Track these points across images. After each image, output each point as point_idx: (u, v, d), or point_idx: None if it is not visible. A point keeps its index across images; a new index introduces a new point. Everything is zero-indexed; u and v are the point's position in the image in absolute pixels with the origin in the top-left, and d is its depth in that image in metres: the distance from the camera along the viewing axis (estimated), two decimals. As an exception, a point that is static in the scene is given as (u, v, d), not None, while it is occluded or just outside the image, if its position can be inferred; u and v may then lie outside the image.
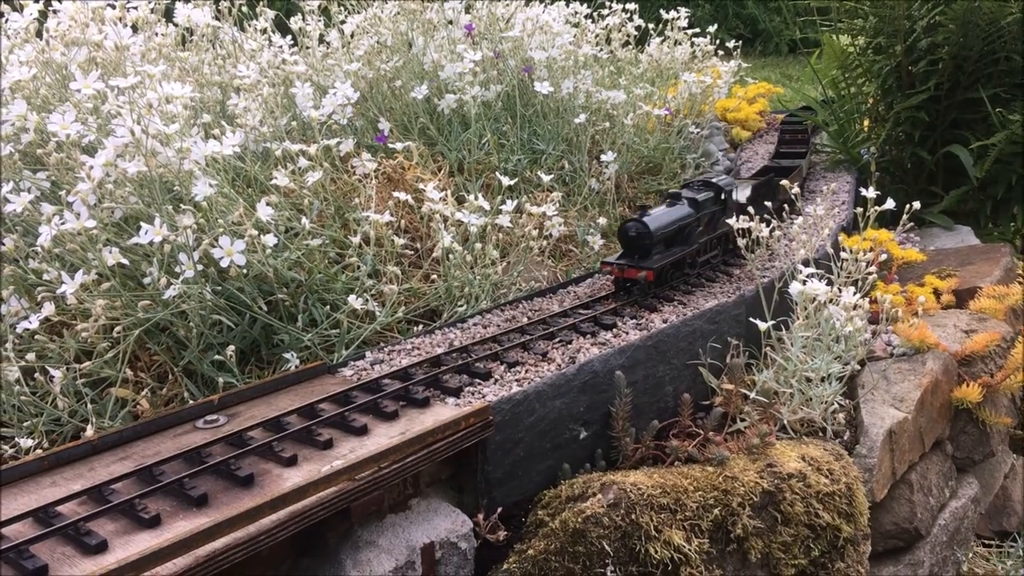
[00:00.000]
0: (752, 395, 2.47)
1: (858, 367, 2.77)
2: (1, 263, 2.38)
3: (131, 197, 2.42)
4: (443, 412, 2.00)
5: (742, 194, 3.05)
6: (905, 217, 2.76)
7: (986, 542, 3.16)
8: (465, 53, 3.34)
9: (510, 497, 2.09)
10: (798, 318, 2.51)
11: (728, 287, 2.84)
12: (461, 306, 2.67)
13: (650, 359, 2.38)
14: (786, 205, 3.40)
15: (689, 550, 1.99)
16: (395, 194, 2.76)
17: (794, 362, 2.49)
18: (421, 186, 2.81)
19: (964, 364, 3.00)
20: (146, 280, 2.38)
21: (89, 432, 2.07)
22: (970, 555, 2.99)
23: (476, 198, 2.76)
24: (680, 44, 4.56)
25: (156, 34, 3.22)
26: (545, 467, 2.16)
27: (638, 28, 4.50)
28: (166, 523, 1.59)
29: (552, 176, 3.18)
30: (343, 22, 3.72)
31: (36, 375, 2.15)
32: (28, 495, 1.70)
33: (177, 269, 2.32)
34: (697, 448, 2.27)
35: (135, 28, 3.15)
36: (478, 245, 2.72)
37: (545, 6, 3.97)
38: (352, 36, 3.70)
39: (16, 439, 2.09)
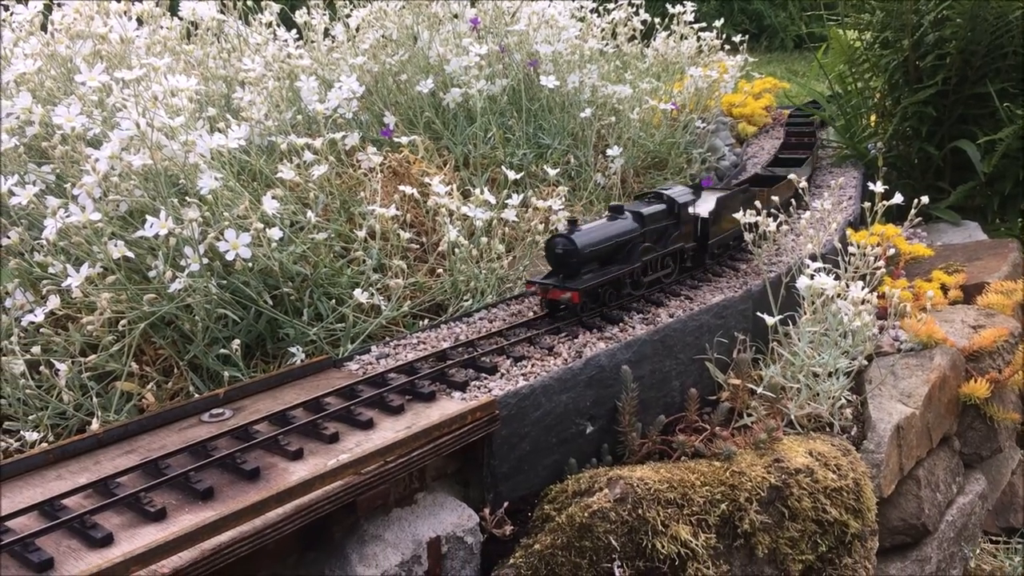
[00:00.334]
0: (759, 390, 2.46)
1: (865, 362, 2.75)
2: (1, 256, 2.38)
3: (136, 190, 2.41)
4: (449, 406, 1.99)
5: (703, 207, 2.80)
6: (913, 212, 2.75)
7: (993, 538, 3.14)
8: (471, 47, 3.33)
9: (516, 492, 2.08)
10: (805, 313, 2.50)
11: (735, 282, 2.82)
12: (467, 300, 2.66)
13: (656, 354, 2.37)
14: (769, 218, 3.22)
15: (696, 545, 1.98)
16: (401, 188, 2.75)
17: (801, 357, 2.47)
18: (427, 180, 2.80)
19: (972, 360, 2.99)
20: (151, 273, 2.38)
21: (94, 426, 2.07)
22: (977, 551, 2.98)
23: (482, 192, 2.75)
24: (686, 39, 4.54)
25: (161, 27, 3.21)
26: (551, 462, 2.15)
27: (644, 22, 4.48)
28: (172, 516, 1.58)
29: (558, 170, 3.17)
30: (348, 16, 3.71)
31: (41, 368, 2.15)
32: (34, 488, 1.69)
33: (182, 263, 2.31)
34: (704, 443, 2.26)
35: (140, 21, 3.14)
36: (484, 239, 2.71)
37: (551, 0, 3.95)
38: (357, 30, 3.68)
39: (21, 432, 2.09)
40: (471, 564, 1.94)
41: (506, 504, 2.02)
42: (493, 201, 2.76)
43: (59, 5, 2.94)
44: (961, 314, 3.21)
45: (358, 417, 1.91)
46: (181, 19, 3.31)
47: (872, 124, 4.68)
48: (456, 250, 2.64)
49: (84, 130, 2.45)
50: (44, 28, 2.93)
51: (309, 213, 2.54)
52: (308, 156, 2.72)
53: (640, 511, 1.95)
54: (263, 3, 3.62)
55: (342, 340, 2.42)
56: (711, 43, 4.66)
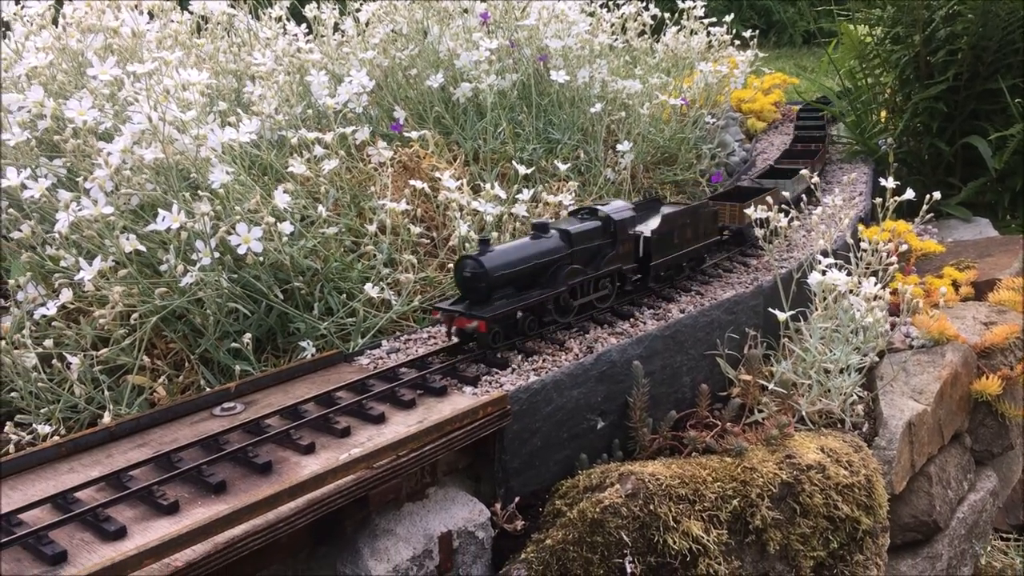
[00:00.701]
0: (770, 386, 2.46)
1: (877, 359, 2.74)
2: (2, 248, 2.38)
3: (148, 184, 2.41)
4: (461, 401, 1.98)
5: (647, 226, 2.56)
6: (925, 207, 2.74)
7: (1004, 536, 3.14)
8: (481, 41, 3.32)
9: (527, 487, 2.08)
10: (817, 309, 2.49)
11: (746, 277, 2.82)
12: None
13: (668, 349, 2.37)
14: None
15: (707, 541, 1.97)
16: (411, 183, 2.75)
17: (813, 353, 2.47)
18: (437, 175, 2.80)
19: (983, 356, 2.98)
20: (162, 267, 2.38)
21: (106, 419, 2.07)
22: (988, 548, 2.97)
23: (492, 187, 2.75)
24: (696, 34, 4.52)
25: (171, 21, 3.21)
26: (562, 457, 2.15)
27: (654, 17, 4.46)
28: (185, 510, 1.58)
29: (568, 165, 3.16)
30: (358, 10, 3.70)
31: (53, 362, 2.15)
32: (46, 481, 1.70)
33: (193, 256, 2.31)
34: (715, 439, 2.25)
35: (151, 15, 3.14)
36: (495, 234, 2.71)
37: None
38: (367, 24, 3.68)
39: (34, 425, 2.09)
40: (482, 559, 1.94)
41: (517, 499, 2.02)
42: (503, 196, 2.76)
43: (71, -1, 2.94)
44: (973, 311, 3.19)
45: (369, 411, 1.91)
46: (191, 13, 3.31)
47: (882, 120, 4.66)
48: (467, 245, 2.64)
49: (96, 124, 2.45)
50: (55, 22, 2.93)
51: (320, 207, 2.54)
52: (318, 151, 2.72)
53: (652, 507, 1.94)
54: (273, -3, 3.62)
55: (352, 335, 2.42)
56: (721, 38, 4.64)
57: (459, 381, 2.09)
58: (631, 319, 2.44)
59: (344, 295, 2.49)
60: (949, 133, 4.38)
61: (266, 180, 2.75)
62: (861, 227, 3.36)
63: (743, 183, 3.67)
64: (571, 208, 2.85)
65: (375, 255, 2.57)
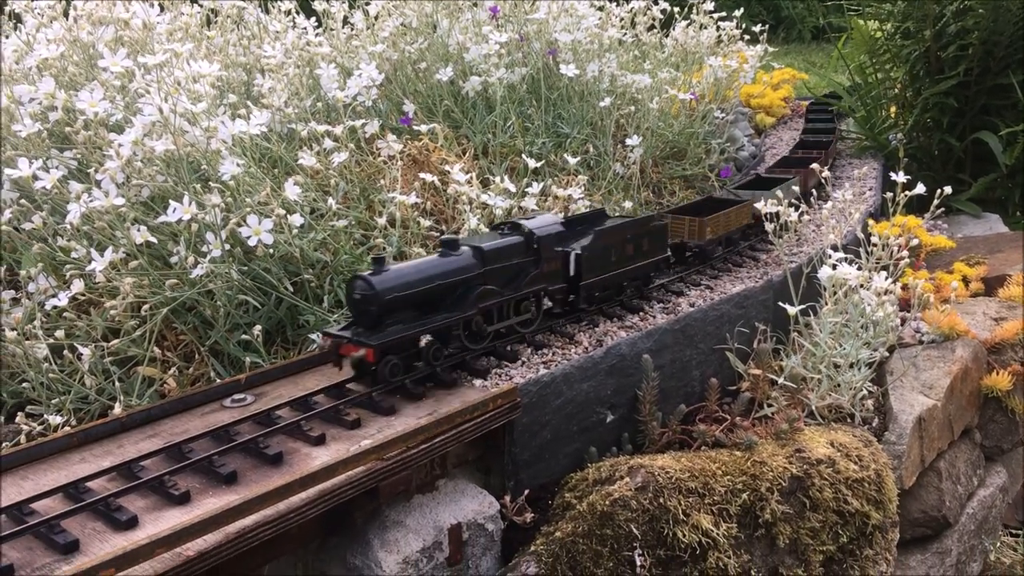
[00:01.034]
0: (780, 380, 2.45)
1: (887, 354, 2.74)
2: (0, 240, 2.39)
3: (159, 176, 2.41)
4: (471, 394, 1.98)
5: (578, 243, 2.31)
6: (936, 202, 2.73)
7: (1013, 531, 3.13)
8: (491, 35, 3.32)
9: (537, 479, 2.08)
10: (827, 303, 2.48)
11: (755, 272, 2.81)
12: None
13: (677, 343, 2.36)
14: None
15: (717, 534, 1.97)
16: (421, 176, 2.75)
17: (822, 347, 2.46)
18: (447, 168, 2.80)
19: (993, 352, 2.97)
20: (173, 259, 2.38)
21: (117, 410, 2.08)
22: (997, 544, 2.96)
23: (502, 180, 2.74)
24: (705, 28, 4.51)
25: (181, 14, 3.21)
26: (572, 450, 2.15)
27: (663, 12, 4.45)
28: (196, 500, 1.59)
29: (577, 159, 3.15)
30: (368, 3, 3.70)
31: (64, 353, 2.16)
32: (58, 471, 1.70)
33: (204, 248, 2.31)
34: (724, 433, 2.25)
35: (161, 7, 3.15)
36: (388, 250, 2.69)
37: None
38: (376, 18, 3.68)
39: (45, 416, 2.09)
40: (491, 551, 1.94)
41: (527, 491, 2.02)
42: (513, 189, 2.76)
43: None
44: (983, 306, 3.18)
45: (380, 403, 1.91)
46: (201, 6, 3.31)
47: (892, 115, 4.64)
48: (476, 238, 2.63)
49: (107, 115, 2.45)
50: (66, 14, 2.93)
51: (330, 200, 2.54)
52: (328, 143, 2.72)
53: (661, 500, 1.94)
54: (282, -10, 3.62)
55: (362, 327, 2.42)
56: (730, 33, 4.63)
57: (469, 374, 2.09)
58: (641, 313, 2.43)
59: (354, 288, 2.49)
60: (959, 129, 4.36)
61: (276, 173, 2.75)
62: (871, 222, 3.35)
63: (717, 194, 3.36)
64: (580, 200, 2.85)
65: (385, 248, 2.57)
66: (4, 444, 2.08)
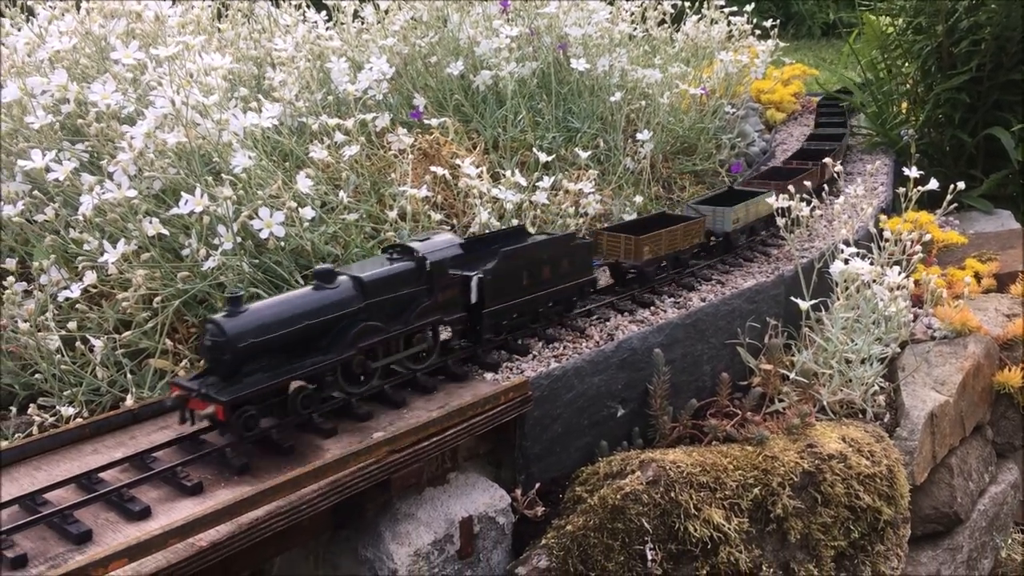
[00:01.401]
0: (791, 376, 2.44)
1: (898, 349, 2.73)
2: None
3: (170, 168, 2.42)
4: (482, 387, 1.98)
5: (483, 266, 2.08)
6: (949, 198, 2.71)
7: (1024, 529, 3.12)
8: (501, 29, 3.31)
9: (548, 473, 2.08)
10: (838, 298, 2.48)
11: (767, 267, 2.80)
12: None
13: (688, 337, 2.36)
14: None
15: (728, 529, 1.97)
16: (432, 169, 2.74)
17: (834, 343, 2.45)
18: (457, 162, 2.79)
19: (1006, 348, 2.96)
20: (184, 252, 2.38)
21: (129, 402, 2.08)
22: (1009, 541, 2.95)
23: (512, 174, 2.74)
24: (716, 23, 4.49)
25: (192, 7, 3.22)
26: (583, 444, 2.15)
27: (674, 6, 4.44)
28: (209, 491, 1.59)
29: (588, 154, 3.15)
30: (378, -3, 3.70)
31: (76, 344, 2.16)
32: (70, 462, 1.71)
33: (215, 241, 2.32)
34: (735, 427, 2.25)
35: (173, 0, 3.15)
36: (515, 221, 2.70)
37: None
38: (387, 12, 3.67)
39: (57, 407, 2.10)
40: (503, 544, 1.94)
41: (538, 485, 2.02)
42: (524, 183, 2.75)
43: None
44: (995, 302, 3.17)
45: (391, 396, 1.91)
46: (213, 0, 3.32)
47: (904, 111, 4.62)
48: (487, 232, 2.63)
49: (119, 108, 2.45)
50: (78, 7, 2.94)
51: (340, 193, 2.54)
52: (339, 137, 2.72)
53: (673, 494, 1.94)
54: (293, -16, 3.62)
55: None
56: (741, 28, 4.61)
57: (480, 367, 2.09)
58: (652, 307, 2.43)
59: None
60: (971, 124, 4.34)
61: (287, 166, 2.75)
62: (883, 218, 3.34)
63: (668, 211, 3.06)
64: (591, 194, 2.84)
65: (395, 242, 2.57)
66: (16, 435, 2.09)
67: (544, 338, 2.23)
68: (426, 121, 3.09)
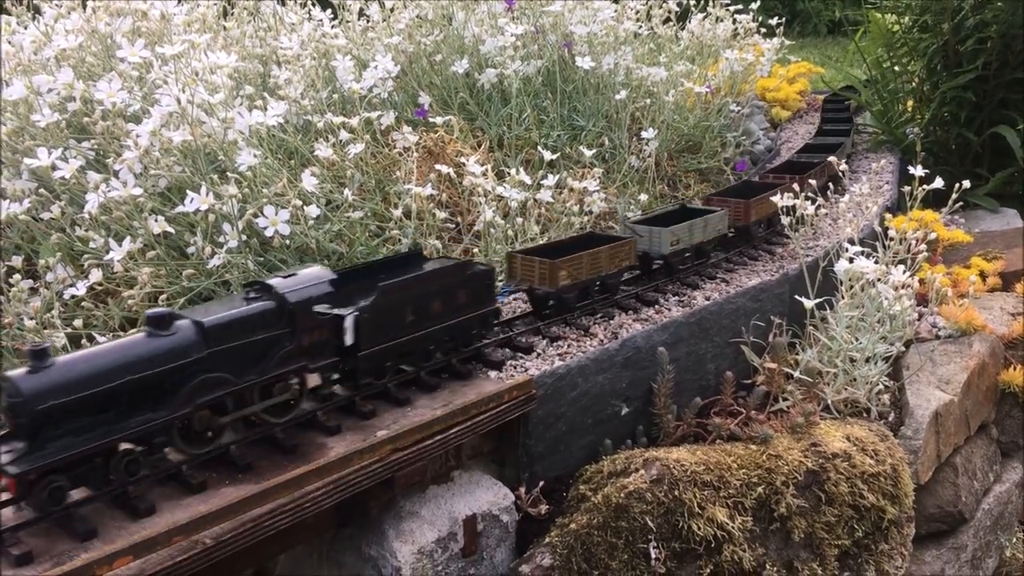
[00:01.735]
0: (795, 374, 2.44)
1: (903, 348, 2.72)
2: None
3: (176, 166, 2.42)
4: (486, 385, 1.99)
5: (359, 303, 1.81)
6: (954, 196, 2.71)
7: (1029, 528, 3.11)
8: (506, 27, 3.32)
9: (551, 471, 2.08)
10: (843, 297, 2.47)
11: (771, 265, 2.80)
12: (501, 280, 2.65)
13: (693, 336, 2.36)
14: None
15: (732, 527, 1.97)
16: (437, 166, 2.75)
17: (839, 341, 2.45)
18: (462, 160, 2.80)
19: (1011, 347, 2.95)
20: (189, 250, 2.39)
21: (134, 399, 2.08)
22: (1013, 540, 2.95)
23: (517, 172, 2.74)
24: (722, 21, 4.49)
25: (198, 5, 3.22)
26: (587, 442, 2.15)
27: (679, 4, 4.44)
28: (212, 488, 1.59)
29: (593, 152, 3.15)
30: (383, -5, 3.70)
31: (83, 342, 2.17)
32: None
33: (220, 239, 2.32)
34: (740, 426, 2.25)
35: (178, -1, 3.16)
36: (519, 220, 2.70)
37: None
38: (392, 10, 3.68)
39: (62, 405, 2.10)
40: (506, 542, 1.94)
41: (541, 483, 2.02)
42: (528, 182, 2.76)
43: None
44: (1000, 301, 3.17)
45: (395, 394, 1.91)
46: (218, -2, 3.33)
47: (909, 109, 4.61)
48: (491, 230, 2.64)
49: (125, 106, 2.46)
50: (84, 5, 2.95)
51: (345, 192, 2.54)
52: (344, 135, 2.72)
53: (676, 492, 1.94)
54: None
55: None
56: (747, 26, 4.61)
57: (484, 365, 2.09)
58: (656, 306, 2.43)
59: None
60: (977, 123, 4.32)
61: (292, 164, 2.76)
62: (888, 216, 3.33)
63: (599, 231, 2.79)
64: (596, 192, 2.84)
65: (400, 240, 2.57)
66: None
67: (548, 336, 2.23)
68: (431, 119, 3.09)
